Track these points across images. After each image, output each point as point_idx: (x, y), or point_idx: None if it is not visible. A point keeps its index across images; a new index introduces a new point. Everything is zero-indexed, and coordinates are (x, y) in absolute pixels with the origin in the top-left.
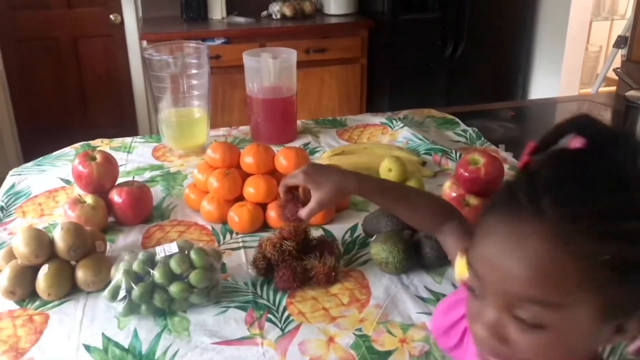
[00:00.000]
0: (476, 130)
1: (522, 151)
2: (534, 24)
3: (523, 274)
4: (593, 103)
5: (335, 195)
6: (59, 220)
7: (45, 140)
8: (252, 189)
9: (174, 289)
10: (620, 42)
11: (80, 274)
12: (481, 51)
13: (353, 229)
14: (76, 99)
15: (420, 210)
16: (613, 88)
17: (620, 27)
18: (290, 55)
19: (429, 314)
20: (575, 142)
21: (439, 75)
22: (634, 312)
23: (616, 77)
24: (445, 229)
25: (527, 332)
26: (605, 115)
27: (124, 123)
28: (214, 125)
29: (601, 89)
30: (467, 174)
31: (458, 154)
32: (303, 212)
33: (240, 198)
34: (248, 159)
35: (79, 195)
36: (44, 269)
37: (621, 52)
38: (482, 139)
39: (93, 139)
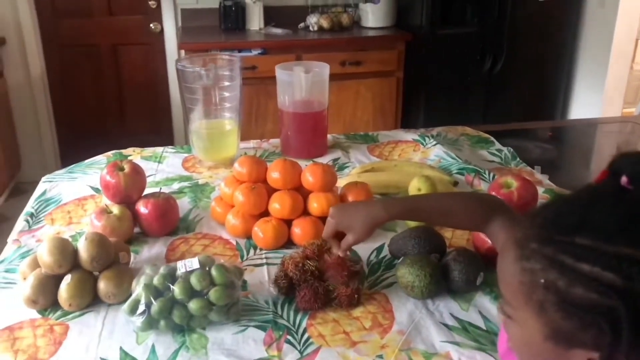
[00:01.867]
0: (511, 150)
1: (559, 174)
2: (577, 40)
3: (501, 276)
4: (637, 125)
5: (368, 231)
6: (86, 228)
7: (84, 144)
8: (278, 205)
9: (193, 305)
10: None
11: (102, 286)
12: (520, 67)
13: (379, 249)
14: (114, 106)
15: (458, 215)
16: None
17: None
18: (323, 69)
19: (454, 342)
20: (624, 178)
21: (476, 91)
22: (579, 344)
23: None
24: (492, 226)
25: (507, 323)
26: None
27: (160, 131)
28: (248, 134)
29: None
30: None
31: (492, 175)
32: (340, 250)
33: (265, 213)
34: (275, 174)
35: (106, 205)
36: (67, 279)
37: None
38: (517, 159)
39: (130, 145)
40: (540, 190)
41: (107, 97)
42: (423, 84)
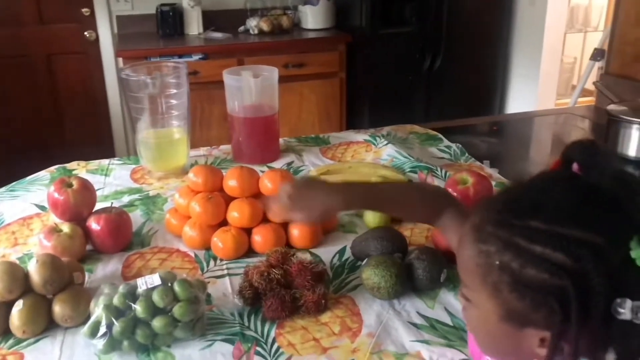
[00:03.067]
0: (460, 146)
1: (506, 166)
2: (510, 37)
3: (460, 261)
4: (572, 115)
5: (322, 217)
6: (33, 249)
7: (20, 160)
8: (236, 213)
9: (157, 323)
10: (597, 54)
11: (58, 309)
12: (459, 64)
13: (342, 252)
14: (51, 118)
15: (414, 206)
16: (589, 99)
17: (593, 38)
18: (271, 73)
19: (423, 341)
20: (575, 165)
21: (417, 88)
22: (531, 324)
23: (591, 88)
24: (444, 218)
25: (465, 307)
26: (585, 128)
27: (100, 141)
28: (193, 141)
29: (578, 100)
30: (456, 194)
31: (444, 171)
32: (282, 216)
33: (223, 223)
34: (232, 182)
35: (55, 223)
36: (18, 305)
37: (598, 65)
38: (466, 154)
39: (69, 158)
40: (492, 183)
41: (42, 109)
42: (366, 84)
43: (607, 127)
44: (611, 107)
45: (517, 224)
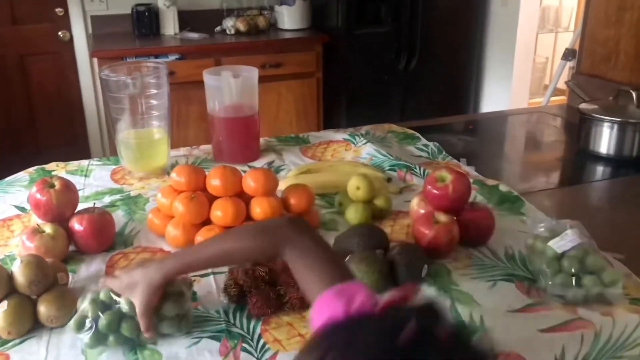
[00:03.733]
0: (437, 144)
1: (482, 164)
2: (484, 37)
3: None
4: (545, 114)
5: (148, 296)
6: (15, 251)
7: None
8: (220, 212)
9: None
10: (568, 54)
11: (43, 309)
12: (434, 64)
13: None
14: (25, 119)
15: (240, 256)
16: (560, 97)
17: (564, 38)
18: (251, 73)
19: None
20: (404, 335)
21: (393, 87)
22: None
23: (563, 87)
24: (286, 257)
25: None
26: (557, 125)
27: (75, 143)
28: (171, 141)
29: (550, 99)
30: (435, 191)
31: (422, 169)
32: (142, 326)
33: (207, 222)
34: (215, 182)
35: (37, 224)
36: (3, 306)
37: (569, 64)
38: (444, 153)
39: (43, 159)
40: (470, 181)
41: (16, 110)
42: (342, 83)
43: (579, 125)
44: (583, 105)
45: None
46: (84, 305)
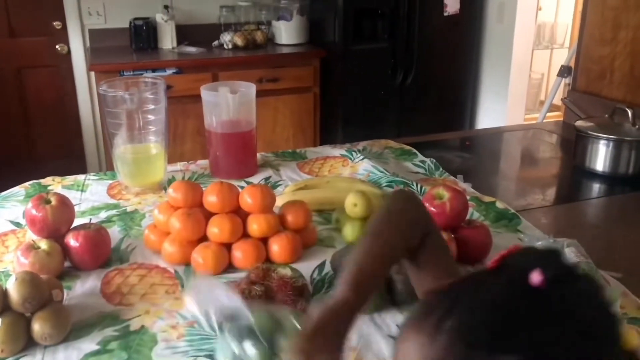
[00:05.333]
0: (434, 161)
1: (478, 181)
2: (480, 54)
3: None
4: (541, 131)
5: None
6: (9, 267)
7: None
8: (216, 229)
9: None
10: (564, 71)
11: (37, 327)
12: (430, 80)
13: (321, 266)
14: (21, 132)
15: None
16: (556, 113)
17: (560, 55)
18: (249, 89)
19: None
20: (535, 275)
21: (389, 103)
22: None
23: (559, 104)
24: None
25: None
26: (553, 142)
27: (71, 156)
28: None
29: (546, 115)
30: (432, 209)
31: (419, 186)
32: None
33: (203, 238)
34: (211, 198)
35: (33, 240)
36: None
37: (565, 81)
38: (441, 169)
39: (39, 173)
40: (467, 198)
41: (13, 123)
42: (339, 99)
43: (575, 143)
44: (579, 123)
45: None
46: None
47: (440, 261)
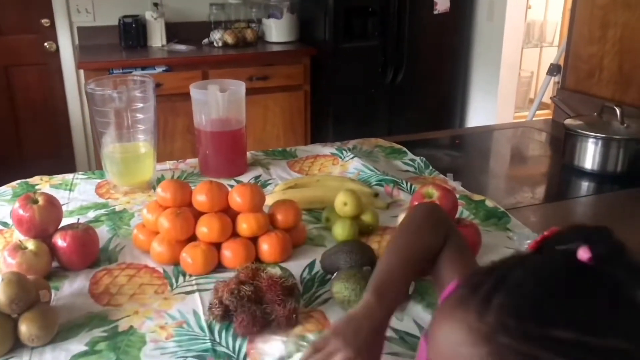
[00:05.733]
0: (424, 159)
1: (468, 179)
2: (470, 52)
3: (443, 353)
4: (531, 129)
5: (382, 344)
6: None
7: None
8: (206, 229)
9: None
10: (553, 70)
11: (24, 329)
12: (420, 78)
13: (311, 265)
14: (9, 130)
15: (427, 256)
16: (545, 111)
17: (549, 53)
18: (239, 87)
19: (394, 354)
20: (583, 252)
21: (380, 101)
22: None
23: (548, 102)
24: (443, 256)
25: None
26: (542, 140)
27: (60, 155)
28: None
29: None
30: None
31: (409, 185)
32: None
33: (192, 238)
34: (200, 197)
35: (20, 240)
36: None
37: (554, 79)
38: (430, 168)
39: (27, 172)
40: (457, 197)
41: (0, 121)
42: (330, 97)
43: (564, 141)
44: (568, 121)
45: (540, 334)
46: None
47: (462, 262)
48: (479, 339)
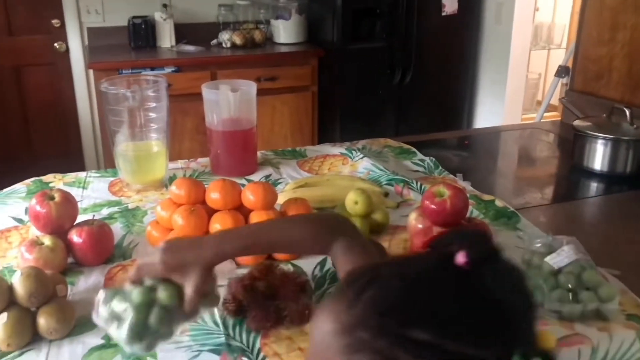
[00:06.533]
0: (433, 159)
1: (477, 179)
2: (478, 53)
3: (314, 340)
4: (539, 130)
5: (204, 275)
6: (13, 262)
7: None
8: (219, 225)
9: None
10: (561, 71)
11: (43, 322)
12: (428, 79)
13: (322, 263)
14: (19, 130)
15: (301, 243)
16: (553, 113)
17: (557, 55)
18: (250, 87)
19: None
20: (460, 256)
21: (387, 103)
22: None
23: (556, 104)
24: (333, 250)
25: None
26: (550, 141)
27: (69, 154)
28: None
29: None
30: (433, 207)
31: (419, 184)
32: (187, 306)
33: (206, 235)
34: (214, 195)
35: (36, 236)
36: (3, 318)
37: (562, 81)
38: (440, 168)
39: (37, 170)
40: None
41: (10, 121)
42: (337, 97)
43: (573, 142)
44: (577, 122)
45: (398, 333)
46: (127, 315)
47: (352, 260)
48: (342, 330)
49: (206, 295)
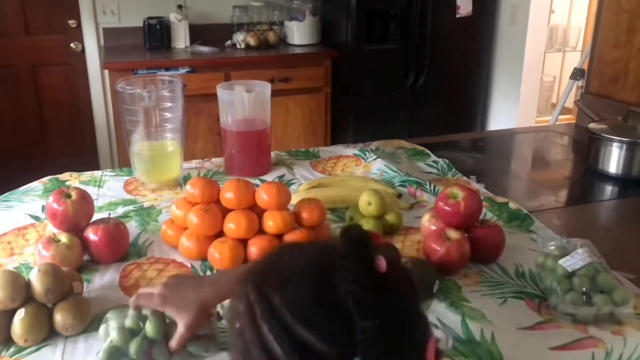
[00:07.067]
0: (447, 161)
1: (490, 182)
2: (492, 56)
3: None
4: (553, 133)
5: (200, 316)
6: (30, 259)
7: (3, 171)
8: (233, 225)
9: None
10: (577, 74)
11: (59, 318)
12: (442, 81)
13: None
14: (35, 129)
15: None
16: (568, 116)
17: (571, 57)
18: (264, 88)
19: None
20: (382, 261)
21: (401, 105)
22: None
23: (571, 106)
24: None
25: None
26: (565, 144)
27: (84, 153)
28: None
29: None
30: (447, 208)
31: (432, 186)
32: (173, 342)
33: (220, 234)
34: (228, 194)
35: (53, 233)
36: (20, 314)
37: (577, 84)
38: (453, 170)
39: (53, 168)
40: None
41: (27, 120)
42: (351, 99)
43: (588, 145)
44: (592, 125)
45: (265, 292)
46: (112, 334)
47: None
48: (240, 297)
49: (200, 337)
